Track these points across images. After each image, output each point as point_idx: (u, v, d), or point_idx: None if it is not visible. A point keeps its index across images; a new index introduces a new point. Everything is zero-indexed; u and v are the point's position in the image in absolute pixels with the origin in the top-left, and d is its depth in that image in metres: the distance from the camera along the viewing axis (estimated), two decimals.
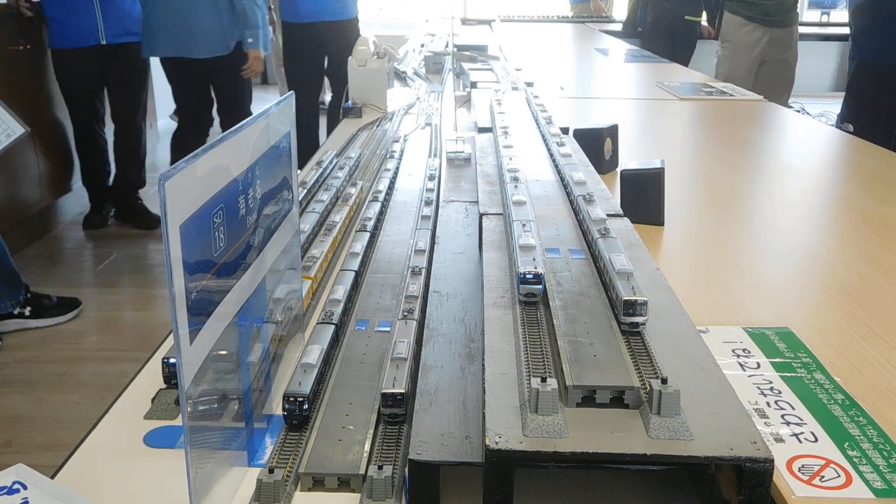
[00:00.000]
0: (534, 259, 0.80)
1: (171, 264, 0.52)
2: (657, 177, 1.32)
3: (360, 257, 1.09)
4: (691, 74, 3.29)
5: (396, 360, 0.78)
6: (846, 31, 3.69)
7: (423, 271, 1.03)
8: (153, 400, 0.82)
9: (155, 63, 3.87)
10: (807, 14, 7.90)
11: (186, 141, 3.86)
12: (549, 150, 1.36)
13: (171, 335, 0.72)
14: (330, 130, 4.01)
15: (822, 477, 0.67)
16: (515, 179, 1.10)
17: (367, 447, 0.71)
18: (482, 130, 1.63)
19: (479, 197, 1.15)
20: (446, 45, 3.54)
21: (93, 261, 3.67)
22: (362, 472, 0.68)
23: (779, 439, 0.72)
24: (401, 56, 3.20)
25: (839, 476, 0.67)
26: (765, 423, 0.74)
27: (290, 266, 0.85)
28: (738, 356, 0.87)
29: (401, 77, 2.87)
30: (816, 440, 0.72)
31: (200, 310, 0.57)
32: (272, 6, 4.83)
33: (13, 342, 2.84)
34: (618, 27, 5.58)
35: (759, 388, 0.81)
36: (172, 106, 6.13)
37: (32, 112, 3.69)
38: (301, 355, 0.80)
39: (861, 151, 1.96)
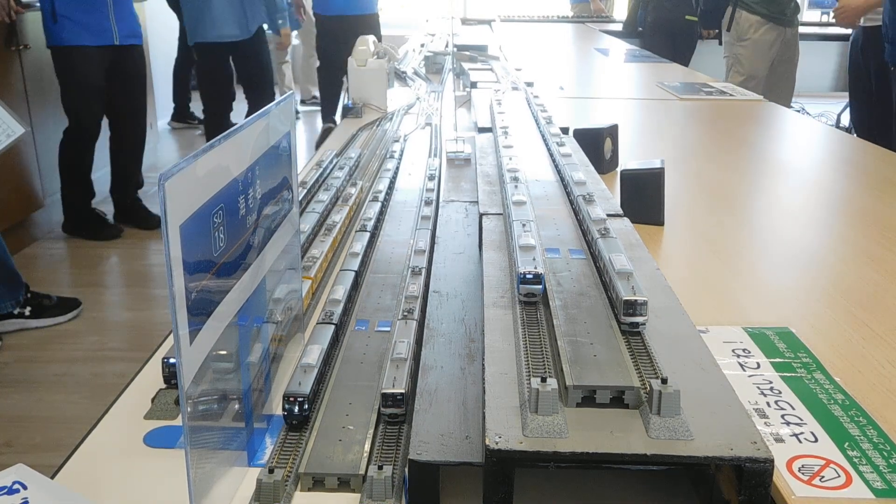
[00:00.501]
0: (534, 259, 0.80)
1: (171, 264, 0.52)
2: (657, 177, 1.32)
3: (360, 257, 1.09)
4: (691, 74, 3.30)
5: (396, 360, 0.78)
6: (846, 31, 3.69)
7: (423, 271, 1.03)
8: (153, 400, 0.82)
9: (156, 63, 3.91)
10: (807, 14, 7.90)
11: (217, 118, 4.45)
12: (549, 150, 1.36)
13: (171, 335, 0.72)
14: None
15: (822, 477, 0.67)
16: (515, 179, 1.10)
17: (367, 447, 0.71)
18: (482, 130, 1.63)
19: (479, 197, 1.15)
20: (446, 45, 3.54)
21: (93, 261, 3.66)
22: (362, 472, 0.68)
23: (779, 439, 0.72)
24: (401, 56, 3.21)
25: (839, 476, 0.67)
26: (765, 423, 0.74)
27: (290, 266, 0.85)
28: (738, 356, 0.87)
29: (401, 77, 2.87)
30: (816, 440, 0.72)
31: (200, 310, 0.57)
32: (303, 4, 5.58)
33: (13, 342, 2.84)
34: (618, 27, 5.58)
35: (759, 388, 0.81)
36: (172, 106, 6.17)
37: (32, 112, 3.69)
38: (301, 355, 0.80)
39: (861, 151, 1.96)
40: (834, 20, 3.60)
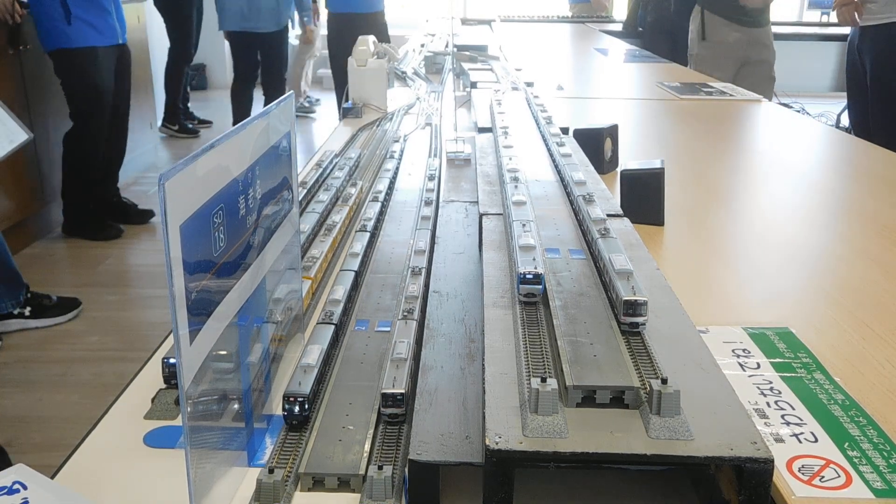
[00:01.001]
0: (534, 259, 0.80)
1: (171, 264, 0.52)
2: (657, 177, 1.32)
3: (360, 257, 1.09)
4: (691, 74, 3.29)
5: (396, 360, 0.78)
6: (846, 30, 3.69)
7: (423, 271, 1.03)
8: (153, 400, 0.82)
9: (156, 63, 3.94)
10: (807, 14, 7.91)
11: (241, 95, 5.22)
12: (549, 150, 1.36)
13: (171, 335, 0.72)
14: None
15: (822, 477, 0.67)
16: (515, 179, 1.10)
17: (367, 447, 0.71)
18: (482, 130, 1.63)
19: (479, 197, 1.15)
20: (446, 45, 3.54)
21: (93, 261, 3.66)
22: (362, 472, 0.68)
23: (779, 439, 0.72)
24: (401, 56, 3.20)
25: (839, 476, 0.67)
26: (765, 423, 0.74)
27: (290, 266, 0.85)
28: (738, 356, 0.87)
29: (401, 77, 2.87)
30: (816, 440, 0.72)
31: (200, 310, 0.57)
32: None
33: (13, 342, 2.84)
34: (618, 27, 5.58)
35: (759, 388, 0.81)
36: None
37: (32, 113, 3.69)
38: (301, 355, 0.80)
39: (861, 151, 1.96)
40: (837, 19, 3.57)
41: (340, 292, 0.96)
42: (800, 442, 0.71)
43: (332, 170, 1.58)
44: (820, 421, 0.75)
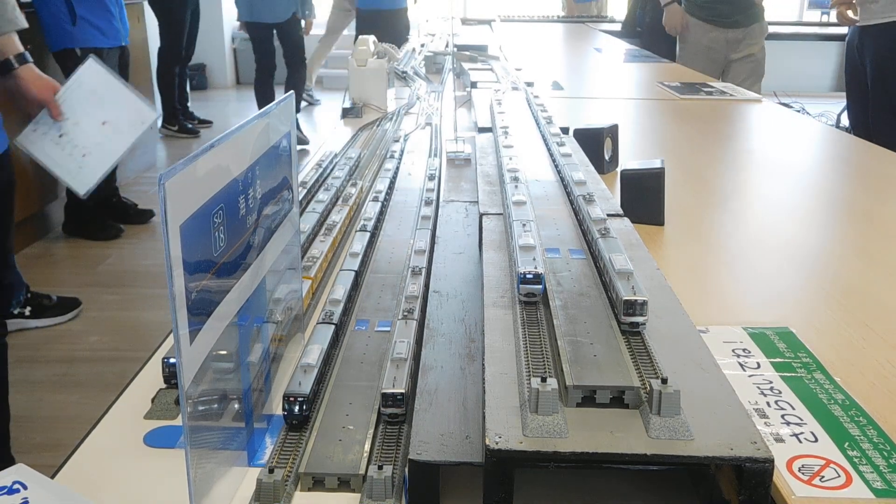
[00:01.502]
0: (534, 259, 0.80)
1: (171, 264, 0.52)
2: (657, 177, 1.32)
3: (360, 257, 1.09)
4: (691, 74, 3.29)
5: (396, 360, 0.78)
6: (846, 30, 3.69)
7: (423, 271, 1.03)
8: (153, 400, 0.82)
9: (155, 63, 3.94)
10: (807, 14, 7.91)
11: (264, 84, 5.71)
12: (549, 150, 1.36)
13: (171, 335, 0.72)
14: None
15: (822, 477, 0.67)
16: (515, 179, 1.10)
17: (367, 447, 0.71)
18: (482, 130, 1.63)
19: (479, 197, 1.15)
20: (446, 45, 3.54)
21: (93, 261, 3.66)
22: (362, 472, 0.68)
23: (779, 439, 0.72)
24: (401, 56, 3.20)
25: (839, 476, 0.67)
26: (765, 423, 0.74)
27: (290, 266, 0.85)
28: (738, 356, 0.87)
29: (401, 77, 2.87)
30: (816, 440, 0.72)
31: (200, 310, 0.57)
32: None
33: (13, 342, 2.84)
34: (617, 27, 5.59)
35: (759, 388, 0.81)
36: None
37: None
38: (301, 355, 0.80)
39: (861, 151, 1.96)
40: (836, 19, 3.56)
41: (340, 292, 0.96)
42: (800, 442, 0.71)
43: (332, 170, 1.58)
44: (820, 421, 0.75)
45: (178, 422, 0.78)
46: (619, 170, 1.44)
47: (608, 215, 0.96)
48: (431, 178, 1.50)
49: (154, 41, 5.58)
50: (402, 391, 0.74)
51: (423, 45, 3.72)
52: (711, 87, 2.78)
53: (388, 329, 0.93)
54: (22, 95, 2.40)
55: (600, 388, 0.62)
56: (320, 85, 7.82)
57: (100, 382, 2.61)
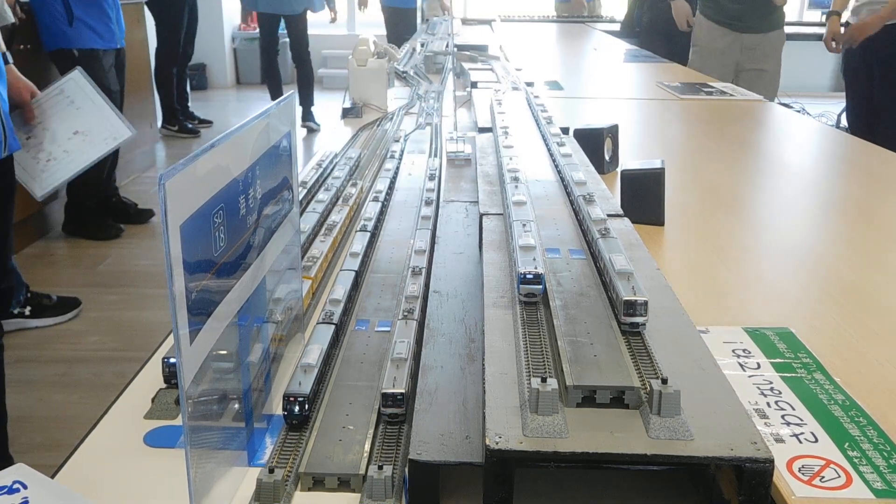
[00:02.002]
0: (534, 259, 0.80)
1: (171, 264, 0.52)
2: (657, 177, 1.32)
3: (360, 257, 1.09)
4: (691, 74, 3.29)
5: (396, 360, 0.78)
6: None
7: (424, 271, 1.03)
8: (153, 400, 0.82)
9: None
10: (806, 14, 7.91)
11: (268, 66, 6.35)
12: (549, 150, 1.36)
13: (171, 335, 0.72)
14: None
15: (823, 477, 0.67)
16: (515, 179, 1.10)
17: (367, 447, 0.71)
18: (482, 130, 1.63)
19: (479, 197, 1.15)
20: (446, 45, 3.54)
21: (93, 260, 3.66)
22: (362, 472, 0.68)
23: (779, 439, 0.72)
24: (401, 56, 3.20)
25: (839, 476, 0.67)
26: (765, 423, 0.74)
27: (290, 266, 0.85)
28: (738, 356, 0.87)
29: (401, 77, 2.87)
30: (816, 440, 0.72)
31: (200, 310, 0.57)
32: None
33: (13, 342, 2.84)
34: (616, 27, 5.59)
35: (759, 388, 0.81)
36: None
37: None
38: (301, 355, 0.80)
39: (861, 151, 1.96)
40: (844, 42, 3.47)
41: (340, 292, 0.96)
42: (800, 442, 0.71)
43: (332, 170, 1.58)
44: (820, 421, 0.75)
45: (178, 422, 0.78)
46: (619, 170, 1.44)
47: (608, 215, 0.96)
48: (431, 178, 1.50)
49: (154, 41, 5.58)
50: (402, 391, 0.74)
51: (422, 45, 3.72)
52: (711, 87, 2.78)
53: (388, 329, 0.93)
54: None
55: (600, 389, 0.62)
56: (319, 85, 7.82)
57: (100, 382, 2.61)
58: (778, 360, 0.86)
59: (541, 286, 0.78)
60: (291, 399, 0.73)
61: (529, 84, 2.28)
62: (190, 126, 6.10)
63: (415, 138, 1.93)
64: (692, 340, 0.73)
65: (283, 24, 6.20)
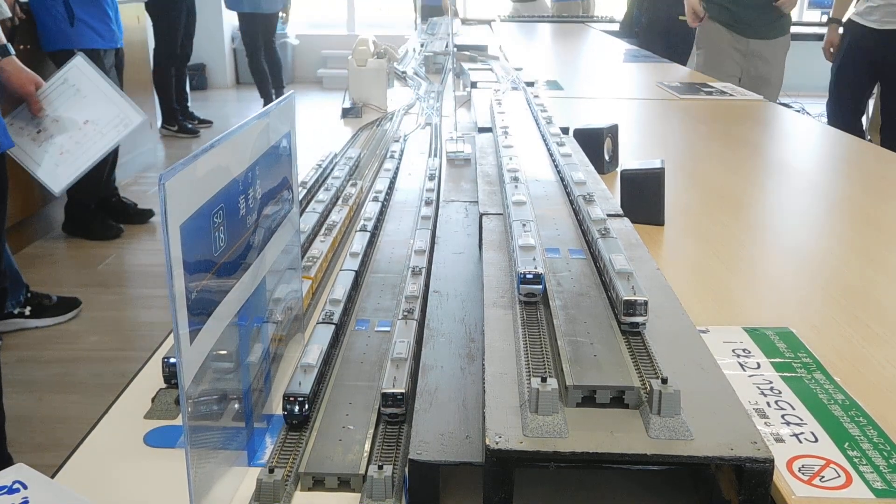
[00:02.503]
0: (534, 259, 0.80)
1: (171, 264, 0.52)
2: (657, 177, 1.32)
3: (360, 257, 1.09)
4: (691, 74, 3.29)
5: (396, 360, 0.78)
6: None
7: (423, 271, 1.03)
8: (153, 400, 0.82)
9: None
10: (806, 14, 7.90)
11: (257, 62, 6.71)
12: (549, 150, 1.36)
13: (171, 335, 0.72)
14: None
15: (823, 477, 0.67)
16: (515, 179, 1.10)
17: (367, 447, 0.71)
18: (482, 130, 1.63)
19: (479, 197, 1.15)
20: (446, 45, 3.54)
21: (93, 261, 3.66)
22: (362, 471, 0.68)
23: (779, 439, 0.72)
24: (401, 56, 3.20)
25: (839, 476, 0.67)
26: (765, 423, 0.74)
27: (290, 266, 0.85)
28: (738, 356, 0.87)
29: (401, 77, 2.87)
30: (816, 440, 0.72)
31: (200, 310, 0.57)
32: None
33: (13, 342, 2.84)
34: (616, 27, 5.59)
35: (759, 388, 0.81)
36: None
37: None
38: (301, 355, 0.80)
39: (861, 151, 1.96)
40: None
41: (340, 292, 0.96)
42: (800, 442, 0.71)
43: (332, 170, 1.58)
44: (820, 421, 0.75)
45: (178, 422, 0.78)
46: (619, 170, 1.44)
47: (608, 215, 0.96)
48: (431, 177, 1.50)
49: (152, 42, 5.58)
50: (402, 391, 0.74)
51: (422, 45, 3.72)
52: (711, 87, 2.78)
53: (388, 329, 0.93)
54: (3, 88, 2.40)
55: (600, 388, 0.62)
56: (319, 85, 7.85)
57: (100, 382, 2.61)
58: (778, 360, 0.86)
59: (541, 286, 0.78)
60: (291, 399, 0.73)
61: (529, 84, 2.28)
62: (189, 126, 6.10)
63: (414, 138, 1.93)
64: (692, 340, 0.73)
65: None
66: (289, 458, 0.70)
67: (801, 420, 0.75)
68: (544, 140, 1.43)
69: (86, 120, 2.53)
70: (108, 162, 3.86)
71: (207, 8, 6.85)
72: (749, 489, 0.56)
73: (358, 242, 1.14)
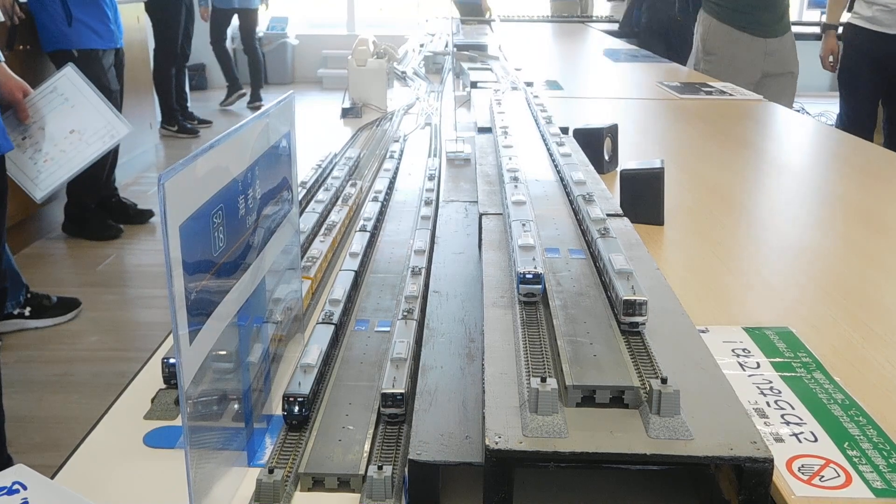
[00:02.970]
0: (533, 259, 0.80)
1: (170, 264, 0.52)
2: (657, 177, 1.32)
3: (359, 257, 1.09)
4: (691, 74, 3.29)
5: (396, 360, 0.78)
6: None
7: (423, 271, 1.03)
8: (153, 400, 0.82)
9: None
10: (806, 14, 7.91)
11: (224, 58, 7.13)
12: (548, 150, 1.36)
13: (171, 335, 0.72)
14: None
15: (822, 477, 0.67)
16: (515, 179, 1.10)
17: (366, 447, 0.71)
18: (482, 130, 1.63)
19: (478, 197, 1.15)
20: (446, 45, 3.54)
21: (93, 261, 3.66)
22: (362, 472, 0.68)
23: (778, 439, 0.72)
24: (400, 56, 3.20)
25: (839, 476, 0.67)
26: (764, 422, 0.74)
27: (289, 266, 0.85)
28: (738, 356, 0.87)
29: (401, 77, 2.87)
30: (816, 440, 0.72)
31: (200, 310, 0.57)
32: None
33: (13, 342, 2.84)
34: (615, 27, 5.59)
35: (758, 387, 0.81)
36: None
37: None
38: (301, 355, 0.80)
39: (861, 151, 1.96)
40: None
41: (340, 292, 0.96)
42: (799, 441, 0.71)
43: (331, 170, 1.58)
44: (820, 420, 0.75)
45: (178, 422, 0.78)
46: (618, 170, 1.44)
47: (608, 215, 0.96)
48: (431, 177, 1.50)
49: (152, 43, 5.58)
50: (402, 391, 0.74)
51: (422, 46, 3.72)
52: (711, 87, 2.78)
53: (387, 329, 0.93)
54: None
55: (600, 388, 0.62)
56: (319, 85, 7.84)
57: (99, 382, 2.61)
58: (777, 360, 0.86)
59: (540, 286, 0.78)
60: (291, 399, 0.73)
61: (529, 84, 2.28)
62: (189, 126, 6.10)
63: (414, 138, 1.94)
64: (692, 340, 0.73)
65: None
66: (288, 459, 0.70)
67: (801, 420, 0.75)
68: (544, 140, 1.43)
69: (72, 129, 2.54)
70: (108, 162, 3.87)
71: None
72: (749, 489, 0.56)
73: (357, 242, 1.14)
